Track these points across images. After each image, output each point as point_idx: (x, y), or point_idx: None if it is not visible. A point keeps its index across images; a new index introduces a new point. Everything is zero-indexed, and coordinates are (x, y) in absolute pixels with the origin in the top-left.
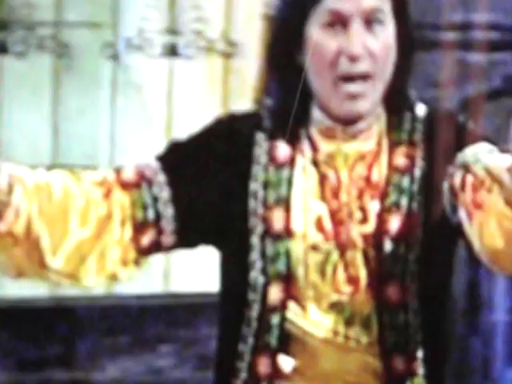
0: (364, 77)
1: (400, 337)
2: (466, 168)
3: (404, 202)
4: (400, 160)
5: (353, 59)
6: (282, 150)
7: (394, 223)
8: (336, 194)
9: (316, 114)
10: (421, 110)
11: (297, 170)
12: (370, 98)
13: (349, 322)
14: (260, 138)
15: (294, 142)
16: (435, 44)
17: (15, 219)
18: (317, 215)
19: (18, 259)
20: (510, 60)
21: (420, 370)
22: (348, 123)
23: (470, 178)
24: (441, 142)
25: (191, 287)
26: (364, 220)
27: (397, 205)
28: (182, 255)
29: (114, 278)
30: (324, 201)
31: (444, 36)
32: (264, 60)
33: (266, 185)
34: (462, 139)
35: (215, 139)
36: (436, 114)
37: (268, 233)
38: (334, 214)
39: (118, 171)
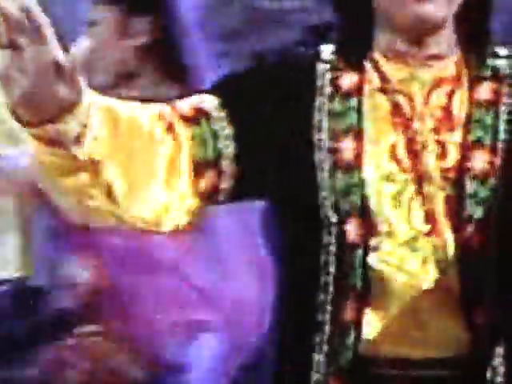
0: None
1: (479, 286)
2: None
3: (488, 139)
4: (483, 94)
5: None
6: (347, 78)
7: (478, 161)
8: (410, 122)
9: (382, 37)
10: (502, 49)
11: (365, 98)
12: (439, 4)
13: (425, 263)
14: (322, 68)
15: (360, 70)
16: None
17: (94, 143)
18: (390, 144)
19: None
20: (312, 7)
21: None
22: (418, 42)
23: None
24: None
25: None
26: (442, 154)
27: (480, 142)
28: None
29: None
30: (397, 130)
31: None
32: None
33: (332, 115)
34: None
35: (275, 71)
36: None
37: (337, 165)
38: (409, 144)
39: (173, 107)
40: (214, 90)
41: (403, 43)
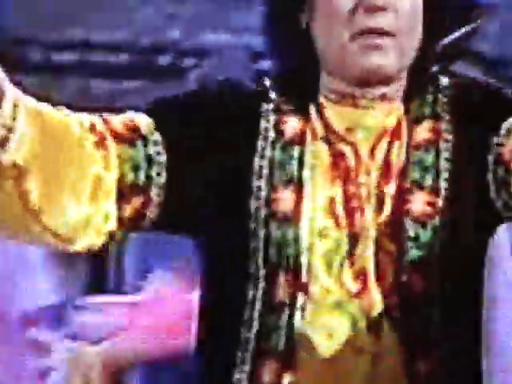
0: (385, 33)
1: (422, 337)
2: None
3: (428, 179)
4: (422, 134)
5: (372, 10)
6: (291, 124)
7: (417, 204)
8: (354, 174)
9: (327, 81)
10: (443, 79)
11: (307, 147)
12: (391, 54)
13: (354, 325)
14: (266, 109)
15: (303, 115)
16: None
17: (19, 147)
18: (329, 198)
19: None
20: (143, 87)
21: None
22: (366, 86)
23: None
24: (476, 110)
25: None
26: (380, 205)
27: (419, 183)
28: None
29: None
30: (337, 182)
31: (62, 57)
32: (266, 21)
33: (272, 163)
34: (504, 106)
35: (219, 100)
36: (464, 82)
37: (273, 216)
38: (348, 198)
39: (105, 120)
40: (149, 112)
41: (350, 86)
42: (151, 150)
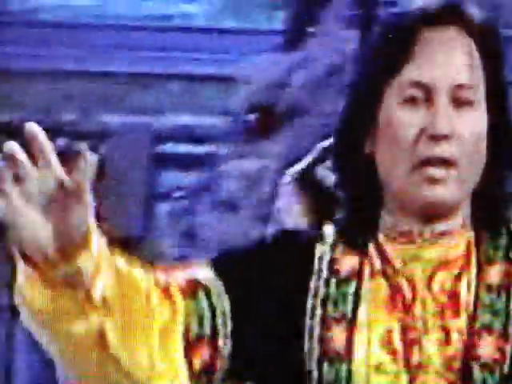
0: (448, 162)
1: None
2: None
3: (498, 324)
4: (494, 278)
5: (437, 139)
6: (347, 262)
7: (486, 348)
8: (410, 307)
9: (387, 218)
10: None
11: (364, 283)
12: (453, 187)
13: None
14: (321, 250)
15: (361, 253)
16: None
17: (105, 286)
18: (385, 331)
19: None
20: None
21: None
22: (427, 221)
23: None
24: None
25: None
26: (446, 341)
27: (489, 327)
28: None
29: None
30: (394, 315)
31: None
32: (333, 152)
33: (326, 301)
34: None
35: (274, 251)
36: None
37: (326, 355)
38: (405, 331)
39: (167, 275)
40: (210, 264)
41: (410, 223)
42: (214, 300)
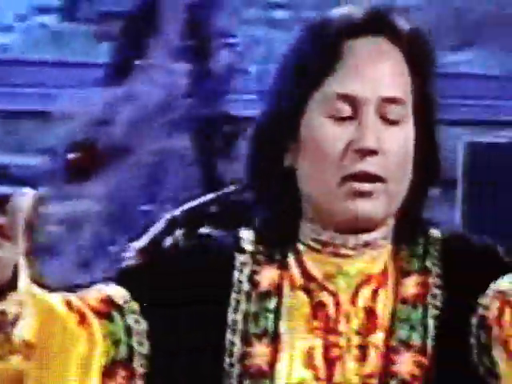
0: (374, 177)
1: None
2: (504, 298)
3: (416, 338)
4: (410, 290)
5: (364, 154)
6: (267, 275)
7: (403, 364)
8: (333, 324)
9: (307, 228)
10: (434, 231)
11: (285, 298)
12: (380, 202)
13: None
14: (241, 261)
15: (281, 264)
16: None
17: (28, 325)
18: (307, 348)
19: None
20: None
21: None
22: (351, 231)
23: (508, 309)
24: (466, 268)
25: None
26: (363, 358)
27: (406, 342)
28: None
29: None
30: (317, 333)
31: None
32: (247, 164)
33: (247, 316)
34: (495, 267)
35: (190, 261)
36: (457, 236)
37: (247, 372)
38: (328, 348)
39: (80, 296)
40: (120, 281)
41: (333, 234)
42: (130, 319)
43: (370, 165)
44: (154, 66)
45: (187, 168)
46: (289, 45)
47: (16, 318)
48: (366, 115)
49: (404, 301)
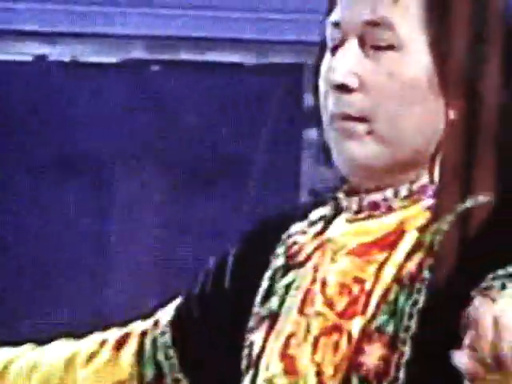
0: (353, 117)
1: None
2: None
3: (390, 327)
4: (409, 269)
5: (337, 90)
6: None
7: (371, 356)
8: (310, 303)
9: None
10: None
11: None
12: (368, 144)
13: None
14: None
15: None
16: None
17: None
18: (287, 336)
19: None
20: None
21: None
22: (362, 190)
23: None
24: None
25: None
26: (337, 346)
27: (381, 329)
28: None
29: None
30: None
31: None
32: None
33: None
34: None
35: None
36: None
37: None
38: (305, 334)
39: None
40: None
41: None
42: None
43: (344, 102)
44: None
45: None
46: None
47: None
48: (346, 44)
49: (398, 280)
